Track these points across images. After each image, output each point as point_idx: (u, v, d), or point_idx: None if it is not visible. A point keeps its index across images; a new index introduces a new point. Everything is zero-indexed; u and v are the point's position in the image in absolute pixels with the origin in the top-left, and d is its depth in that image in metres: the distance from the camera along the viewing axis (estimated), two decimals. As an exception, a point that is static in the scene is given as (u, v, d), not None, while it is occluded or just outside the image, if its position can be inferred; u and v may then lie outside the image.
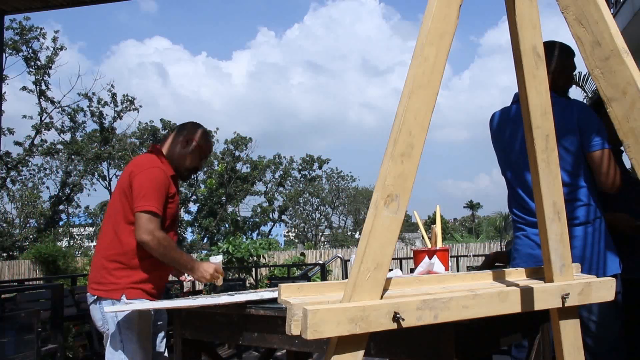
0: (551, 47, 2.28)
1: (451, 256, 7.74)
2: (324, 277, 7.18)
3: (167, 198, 2.21)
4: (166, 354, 2.35)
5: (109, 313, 2.10)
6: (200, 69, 55.28)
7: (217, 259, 2.35)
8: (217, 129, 26.94)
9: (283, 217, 31.46)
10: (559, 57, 2.29)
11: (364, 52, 62.72)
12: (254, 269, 10.52)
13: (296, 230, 36.22)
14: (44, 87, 22.55)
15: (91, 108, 23.84)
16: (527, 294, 1.15)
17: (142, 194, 2.12)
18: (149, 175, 2.16)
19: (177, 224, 2.43)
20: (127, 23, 58.36)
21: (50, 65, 22.38)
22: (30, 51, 22.08)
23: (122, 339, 2.12)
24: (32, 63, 22.20)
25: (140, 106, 24.86)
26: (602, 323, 2.11)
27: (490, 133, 2.46)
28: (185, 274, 2.47)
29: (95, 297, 2.18)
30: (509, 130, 2.34)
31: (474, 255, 13.75)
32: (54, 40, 22.31)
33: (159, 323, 2.33)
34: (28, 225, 23.94)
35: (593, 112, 2.21)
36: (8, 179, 22.65)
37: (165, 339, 2.38)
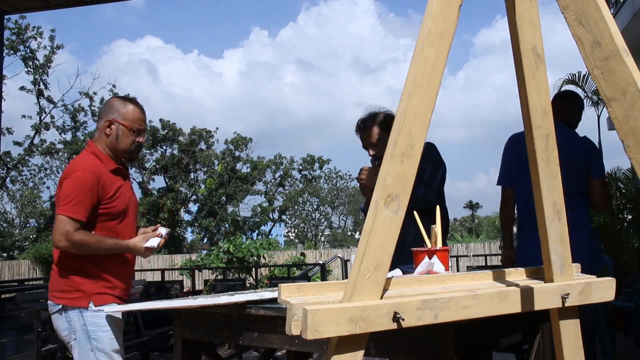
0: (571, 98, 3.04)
1: (451, 256, 7.73)
2: (324, 277, 7.18)
3: (102, 199, 2.11)
4: None
5: (77, 322, 2.06)
6: (191, 67, 54.81)
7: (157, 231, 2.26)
8: (217, 128, 27.02)
9: (283, 217, 31.47)
10: (578, 108, 2.97)
11: (355, 50, 62.41)
12: (254, 269, 10.53)
13: (296, 230, 36.22)
14: (42, 87, 22.50)
15: (92, 107, 23.81)
16: (527, 294, 1.16)
17: (62, 197, 2.06)
18: (74, 178, 2.08)
19: (135, 217, 2.31)
20: (115, 20, 57.44)
21: (48, 64, 22.31)
22: (27, 51, 22.01)
23: (92, 347, 2.06)
24: (30, 62, 22.11)
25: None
26: None
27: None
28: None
29: (60, 306, 2.12)
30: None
31: (474, 255, 13.72)
32: (51, 39, 22.22)
33: None
34: (28, 225, 23.97)
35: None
36: (8, 179, 22.66)
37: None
